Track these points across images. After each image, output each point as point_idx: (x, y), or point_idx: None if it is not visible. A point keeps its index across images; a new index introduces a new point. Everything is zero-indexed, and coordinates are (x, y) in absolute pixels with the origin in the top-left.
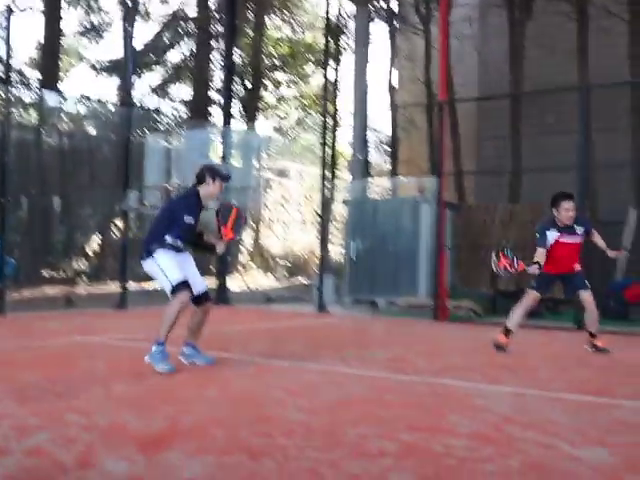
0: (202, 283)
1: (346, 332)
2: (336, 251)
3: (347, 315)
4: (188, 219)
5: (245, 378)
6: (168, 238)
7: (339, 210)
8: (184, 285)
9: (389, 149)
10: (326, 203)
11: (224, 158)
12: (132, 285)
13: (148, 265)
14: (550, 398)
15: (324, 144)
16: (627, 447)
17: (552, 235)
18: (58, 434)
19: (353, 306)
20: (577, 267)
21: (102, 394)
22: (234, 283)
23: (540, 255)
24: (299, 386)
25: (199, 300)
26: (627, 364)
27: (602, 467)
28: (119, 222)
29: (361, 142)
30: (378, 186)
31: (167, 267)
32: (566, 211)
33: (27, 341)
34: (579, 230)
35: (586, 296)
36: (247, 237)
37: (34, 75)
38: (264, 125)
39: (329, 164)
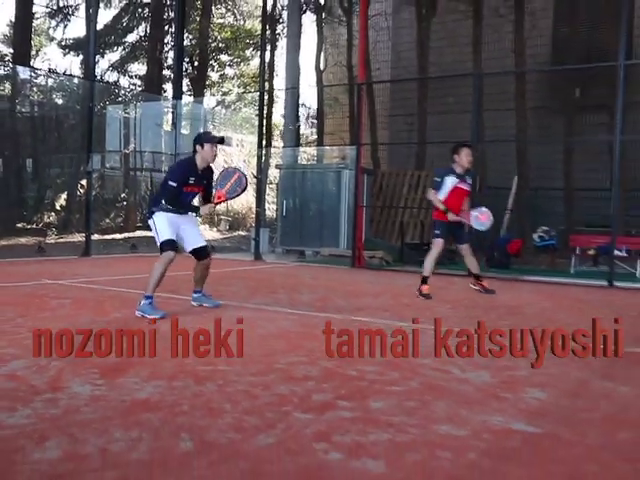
0: (201, 241)
1: (278, 277)
2: (270, 208)
3: (279, 263)
4: (172, 184)
5: (192, 315)
6: (163, 202)
7: (273, 173)
8: (170, 244)
9: (316, 122)
10: (262, 167)
11: (175, 127)
12: (95, 236)
13: (149, 223)
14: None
15: (261, 116)
16: (504, 370)
17: (451, 181)
18: (32, 362)
19: (284, 255)
20: (464, 218)
21: (69, 327)
22: None
23: (434, 197)
24: (237, 321)
25: (199, 255)
26: (508, 305)
27: (484, 386)
28: (83, 182)
29: (292, 115)
30: (306, 153)
31: (160, 228)
32: (467, 155)
33: (3, 283)
34: (469, 180)
35: (465, 248)
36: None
37: (8, 52)
38: (209, 99)
39: (265, 134)
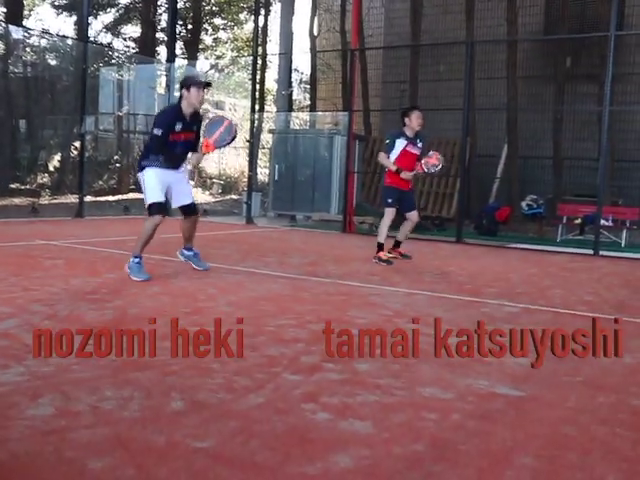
0: (189, 198)
1: (269, 241)
2: (263, 173)
3: (271, 227)
4: (157, 132)
5: (183, 277)
6: (152, 156)
7: (266, 138)
8: (157, 207)
9: (309, 88)
10: (255, 132)
11: (168, 90)
12: (88, 198)
13: (139, 178)
14: (433, 297)
15: (254, 81)
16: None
17: (401, 143)
18: (25, 321)
19: (276, 219)
20: (412, 185)
21: (62, 288)
22: None
23: (385, 160)
24: (228, 284)
25: (186, 212)
26: (494, 271)
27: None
28: (77, 144)
29: (286, 80)
30: (299, 119)
31: (149, 187)
32: (417, 118)
33: None
34: (420, 143)
35: (414, 215)
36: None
37: (0, 11)
38: (203, 63)
39: (258, 98)
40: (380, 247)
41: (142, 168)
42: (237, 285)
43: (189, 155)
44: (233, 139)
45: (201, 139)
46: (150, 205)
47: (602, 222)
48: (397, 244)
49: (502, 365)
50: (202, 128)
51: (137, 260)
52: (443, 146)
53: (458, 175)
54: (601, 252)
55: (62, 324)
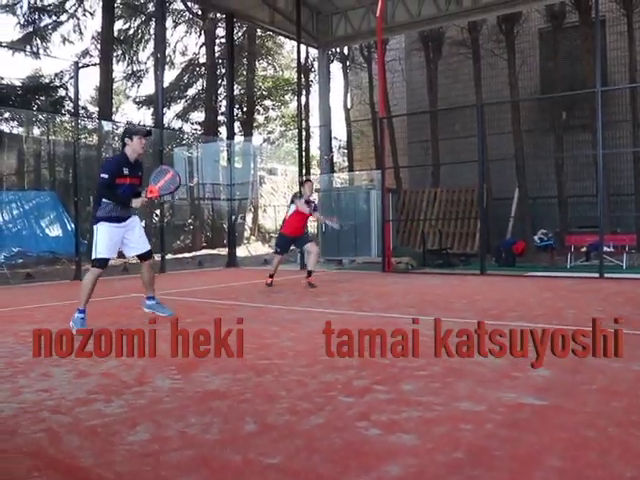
0: (144, 246)
1: (321, 283)
2: (312, 225)
3: (321, 271)
4: (104, 176)
5: (250, 318)
6: (104, 201)
7: (313, 196)
8: (102, 262)
9: (346, 152)
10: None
11: (229, 162)
12: (169, 255)
13: (94, 228)
14: (463, 322)
15: (300, 149)
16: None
17: (292, 208)
18: (121, 362)
19: (325, 264)
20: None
21: (148, 334)
22: (241, 251)
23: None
24: (288, 322)
25: (141, 257)
26: (515, 297)
27: (497, 368)
28: (158, 211)
29: (326, 147)
30: (340, 178)
31: (100, 242)
32: (309, 188)
33: (97, 297)
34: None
35: (310, 246)
36: (249, 219)
37: (94, 110)
38: (257, 137)
39: (304, 164)
40: (309, 273)
41: (97, 220)
42: (296, 322)
43: (133, 200)
44: (177, 188)
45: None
46: (96, 259)
47: (605, 249)
48: (309, 274)
49: (527, 378)
50: (150, 176)
51: (82, 316)
52: (463, 193)
53: (478, 216)
54: (606, 275)
55: (151, 364)
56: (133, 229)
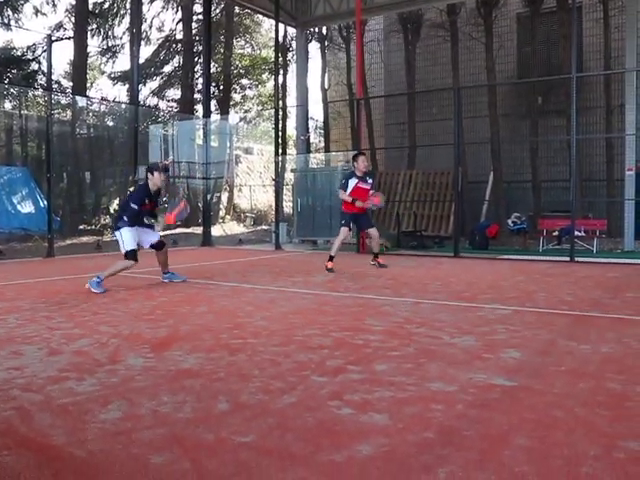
0: (156, 237)
1: (295, 263)
2: (287, 205)
3: (296, 251)
4: (134, 206)
5: (225, 297)
6: (125, 218)
7: (289, 176)
8: (132, 254)
9: (323, 132)
10: (279, 171)
11: (205, 140)
12: None
13: (116, 235)
14: (437, 304)
15: (277, 129)
16: (486, 335)
17: (353, 182)
18: (94, 340)
19: (300, 244)
20: (369, 202)
21: (124, 311)
22: (216, 230)
23: (344, 195)
24: (262, 301)
25: (157, 247)
26: (487, 279)
27: (470, 349)
28: (132, 189)
29: (303, 127)
30: (316, 159)
31: (126, 239)
32: (363, 162)
33: (69, 275)
34: (369, 179)
35: (372, 231)
36: (224, 197)
37: (68, 85)
38: (233, 116)
39: (280, 144)
40: (330, 258)
41: (118, 228)
42: (270, 302)
43: (152, 220)
44: (187, 214)
45: (165, 213)
46: (127, 252)
47: (576, 233)
48: (375, 255)
49: (498, 360)
50: (165, 203)
51: (99, 280)
52: (439, 176)
53: (453, 199)
54: (576, 259)
55: (125, 342)
56: (147, 230)
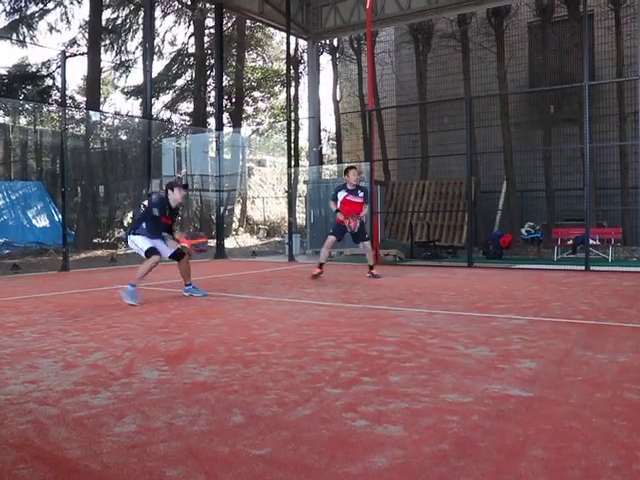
0: (174, 249)
1: (308, 275)
2: (300, 217)
3: (309, 263)
4: (155, 211)
5: (238, 310)
6: (143, 225)
7: (301, 188)
8: (153, 250)
9: (335, 144)
10: (292, 183)
11: (218, 153)
12: None
13: (130, 240)
14: (451, 315)
15: (289, 141)
16: (501, 345)
17: (342, 194)
18: (109, 353)
19: (313, 256)
20: (359, 222)
21: (138, 324)
22: (229, 243)
23: (333, 205)
24: (276, 313)
25: (177, 257)
26: (502, 289)
27: (485, 359)
28: (146, 202)
29: (315, 139)
30: (329, 170)
31: (141, 242)
32: (353, 175)
33: (84, 288)
34: (360, 193)
35: (367, 244)
36: (237, 209)
37: (82, 100)
38: (246, 129)
39: (293, 155)
40: (320, 265)
41: (134, 232)
42: (284, 314)
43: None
44: (203, 249)
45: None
46: (147, 251)
47: (591, 241)
48: (371, 267)
49: (513, 370)
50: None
51: (132, 288)
52: (452, 186)
53: (466, 209)
54: (592, 267)
55: (139, 354)
56: (161, 240)
